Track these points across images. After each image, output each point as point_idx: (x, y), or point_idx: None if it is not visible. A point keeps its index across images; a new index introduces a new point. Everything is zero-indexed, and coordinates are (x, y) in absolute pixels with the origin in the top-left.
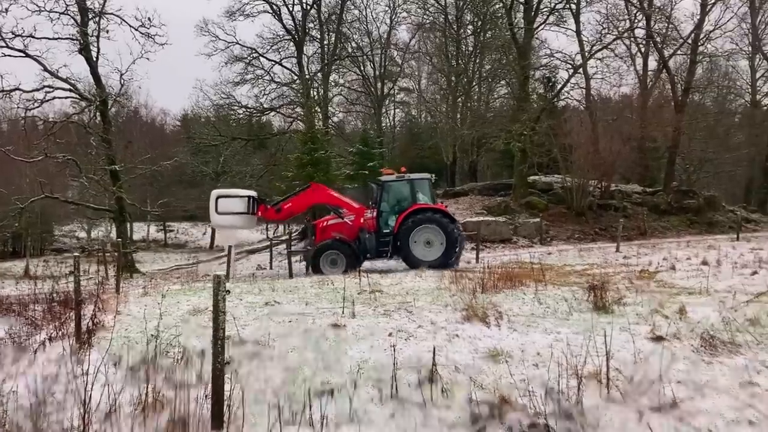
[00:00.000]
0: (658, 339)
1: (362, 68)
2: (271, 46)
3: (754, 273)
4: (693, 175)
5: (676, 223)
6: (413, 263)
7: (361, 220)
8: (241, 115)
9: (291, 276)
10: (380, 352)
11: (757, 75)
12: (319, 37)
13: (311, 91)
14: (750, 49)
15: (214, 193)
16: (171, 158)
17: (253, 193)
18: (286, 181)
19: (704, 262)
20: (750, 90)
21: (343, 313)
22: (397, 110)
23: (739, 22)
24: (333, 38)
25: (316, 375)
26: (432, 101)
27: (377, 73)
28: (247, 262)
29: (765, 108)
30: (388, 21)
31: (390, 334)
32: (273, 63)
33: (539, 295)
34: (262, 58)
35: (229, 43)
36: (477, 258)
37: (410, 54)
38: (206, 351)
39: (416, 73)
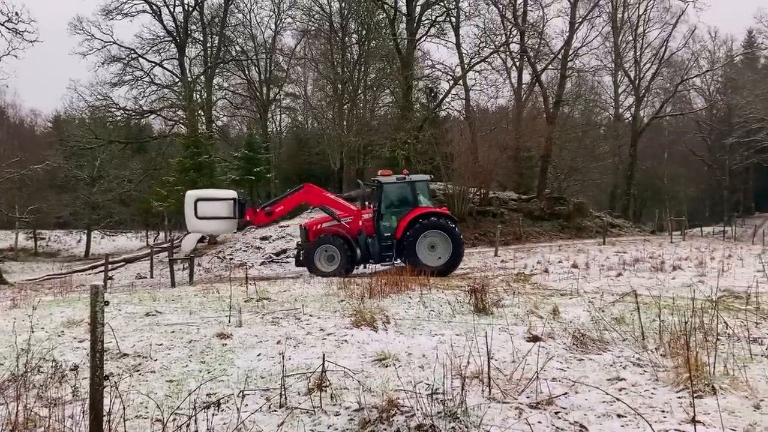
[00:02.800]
0: (535, 338)
1: (247, 72)
2: (151, 47)
3: (619, 275)
4: (563, 183)
5: (549, 228)
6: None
7: (359, 223)
8: (119, 118)
9: (173, 285)
10: (268, 360)
11: (620, 90)
12: (201, 39)
13: (194, 94)
14: (613, 66)
15: (192, 195)
16: (42, 162)
17: (233, 194)
18: (168, 186)
19: (574, 265)
20: (613, 104)
21: (229, 322)
22: (283, 115)
23: (603, 41)
24: (216, 41)
25: (201, 386)
26: (318, 107)
27: (262, 77)
28: (126, 271)
29: (626, 121)
30: (272, 26)
31: (278, 342)
32: (153, 64)
33: (424, 299)
34: (141, 59)
35: (105, 42)
36: (365, 264)
37: (296, 60)
38: (83, 365)
39: (302, 79)
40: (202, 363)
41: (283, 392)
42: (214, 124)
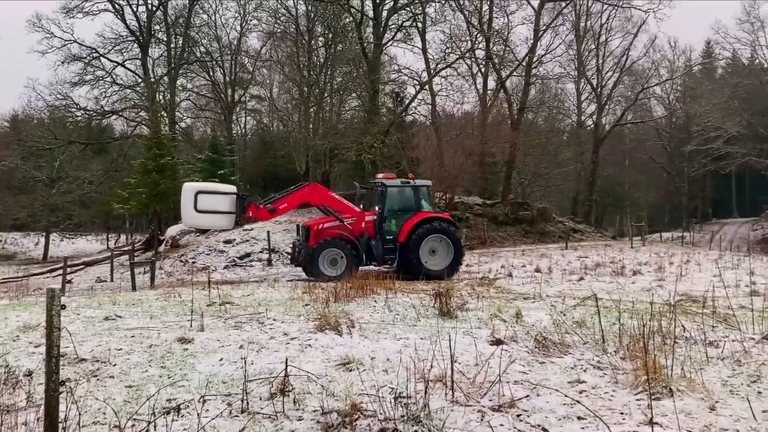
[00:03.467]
0: (498, 342)
1: (212, 74)
2: (114, 46)
3: (581, 279)
4: (527, 189)
5: (513, 232)
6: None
7: (362, 225)
8: (80, 118)
9: (134, 288)
10: (230, 365)
11: (582, 97)
12: (165, 39)
13: (157, 95)
14: (576, 73)
15: (191, 187)
16: None
17: (234, 188)
18: (129, 188)
19: (537, 270)
20: (576, 111)
21: (191, 326)
22: (248, 118)
23: (567, 49)
24: (180, 42)
25: (161, 392)
26: (284, 110)
27: (227, 79)
28: (85, 275)
29: (589, 128)
30: (238, 27)
31: (241, 347)
32: (115, 64)
33: (389, 303)
34: (103, 59)
35: (66, 41)
36: None
37: (261, 62)
38: (38, 370)
39: (268, 82)
40: (162, 368)
41: (245, 397)
42: (177, 126)
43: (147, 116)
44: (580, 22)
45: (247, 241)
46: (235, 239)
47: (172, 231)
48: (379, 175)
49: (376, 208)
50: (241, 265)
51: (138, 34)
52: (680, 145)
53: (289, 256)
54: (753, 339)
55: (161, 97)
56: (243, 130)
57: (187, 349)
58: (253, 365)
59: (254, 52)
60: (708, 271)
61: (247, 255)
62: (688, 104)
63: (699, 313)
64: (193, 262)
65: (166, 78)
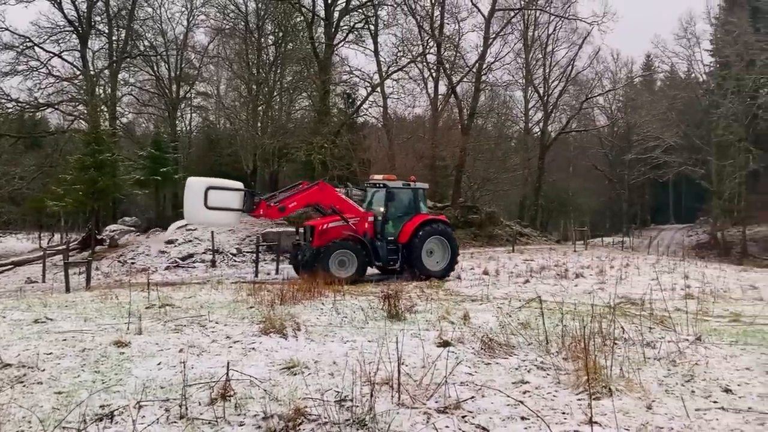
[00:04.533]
0: (445, 344)
1: (156, 68)
2: (50, 36)
3: (527, 281)
4: (476, 193)
5: (462, 235)
6: (422, 273)
7: (365, 225)
8: (11, 110)
9: (68, 290)
10: (169, 369)
11: (530, 105)
12: (107, 31)
13: (97, 89)
14: (524, 81)
15: (200, 182)
16: None
17: (241, 184)
18: (65, 184)
19: (485, 272)
20: (524, 118)
21: (128, 329)
22: (194, 115)
23: (515, 57)
24: (123, 35)
25: (93, 397)
26: (232, 108)
27: (172, 74)
28: (14, 275)
29: (535, 135)
30: (185, 22)
31: (181, 350)
32: (51, 55)
33: (337, 305)
34: (37, 49)
35: None
36: (277, 270)
37: (209, 58)
38: None
39: (215, 78)
40: (96, 373)
41: (183, 402)
42: (118, 121)
43: (85, 110)
44: (528, 31)
45: (190, 241)
46: (177, 239)
47: (171, 231)
48: (378, 176)
49: (380, 209)
50: (183, 266)
51: (77, 24)
52: (621, 153)
53: (289, 256)
54: (687, 340)
55: (101, 91)
56: (188, 127)
57: (123, 353)
58: (194, 369)
59: (201, 47)
60: (646, 275)
61: (190, 256)
62: (628, 114)
63: (637, 315)
64: (133, 263)
65: (106, 71)
